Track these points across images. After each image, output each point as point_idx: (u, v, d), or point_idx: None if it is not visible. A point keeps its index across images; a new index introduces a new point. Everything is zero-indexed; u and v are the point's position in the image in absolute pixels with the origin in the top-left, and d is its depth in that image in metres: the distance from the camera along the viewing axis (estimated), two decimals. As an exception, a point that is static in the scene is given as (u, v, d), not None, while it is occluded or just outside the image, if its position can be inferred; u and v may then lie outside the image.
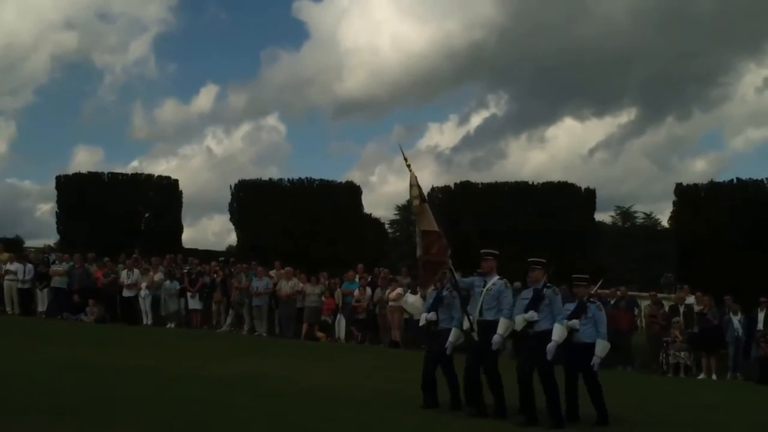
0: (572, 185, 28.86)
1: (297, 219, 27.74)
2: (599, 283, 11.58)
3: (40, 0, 68.94)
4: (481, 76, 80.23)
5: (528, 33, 63.39)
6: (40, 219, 69.78)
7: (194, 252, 30.46)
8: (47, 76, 79.25)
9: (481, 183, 29.99)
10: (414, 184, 9.98)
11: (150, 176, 33.94)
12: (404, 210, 57.23)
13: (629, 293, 21.14)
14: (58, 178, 33.14)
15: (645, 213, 58.30)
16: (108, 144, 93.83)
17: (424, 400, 10.00)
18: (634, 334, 19.58)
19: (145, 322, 21.30)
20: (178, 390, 10.60)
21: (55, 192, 33.27)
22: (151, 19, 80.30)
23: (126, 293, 21.47)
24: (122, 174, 33.74)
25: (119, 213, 30.83)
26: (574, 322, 9.68)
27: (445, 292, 10.18)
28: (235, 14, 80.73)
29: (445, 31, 67.44)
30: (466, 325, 9.84)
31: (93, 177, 32.99)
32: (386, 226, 47.87)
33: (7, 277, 21.38)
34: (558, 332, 9.32)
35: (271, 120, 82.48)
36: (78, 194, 31.81)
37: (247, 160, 73.24)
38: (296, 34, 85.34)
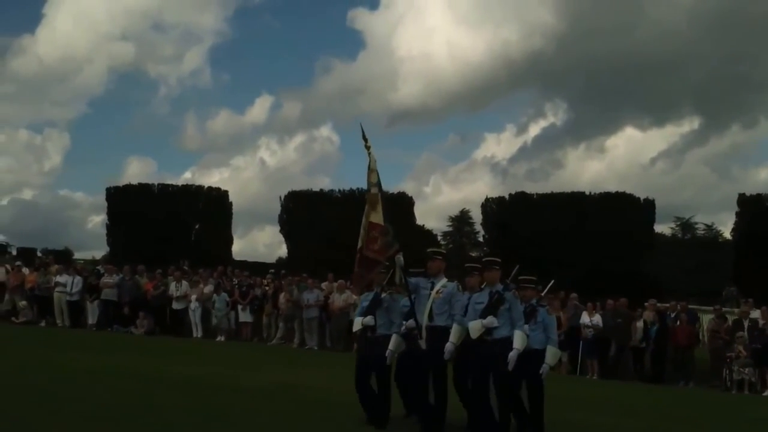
0: (630, 195, 28.38)
1: (347, 230, 27.42)
2: (549, 285, 11.01)
3: (96, 12, 69.80)
4: (538, 84, 78.96)
5: (586, 39, 62.18)
6: (91, 231, 70.59)
7: (244, 264, 30.33)
8: (102, 88, 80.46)
9: (536, 193, 29.63)
10: (374, 169, 9.12)
11: (200, 187, 34.02)
12: (457, 221, 56.82)
13: (689, 306, 20.49)
14: (108, 190, 33.37)
15: (706, 224, 56.88)
16: (161, 155, 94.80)
17: (367, 415, 9.05)
18: (695, 348, 18.92)
19: (194, 335, 21.12)
20: (222, 400, 10.34)
21: (105, 203, 33.52)
22: (206, 29, 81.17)
23: (175, 305, 21.34)
24: (172, 185, 33.92)
25: (168, 224, 30.85)
26: (525, 326, 8.75)
27: (384, 295, 9.19)
28: (290, 24, 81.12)
29: (501, 39, 66.70)
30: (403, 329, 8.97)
31: (143, 188, 33.17)
32: (439, 237, 47.40)
33: (56, 289, 21.36)
34: (520, 340, 8.37)
35: (325, 130, 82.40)
36: (127, 205, 31.94)
37: (299, 170, 73.00)
38: (351, 43, 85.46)
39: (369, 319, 9.12)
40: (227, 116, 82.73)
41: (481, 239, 42.76)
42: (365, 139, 9.06)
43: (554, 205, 28.43)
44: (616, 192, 28.63)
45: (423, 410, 8.87)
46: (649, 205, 28.36)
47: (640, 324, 18.83)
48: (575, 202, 28.42)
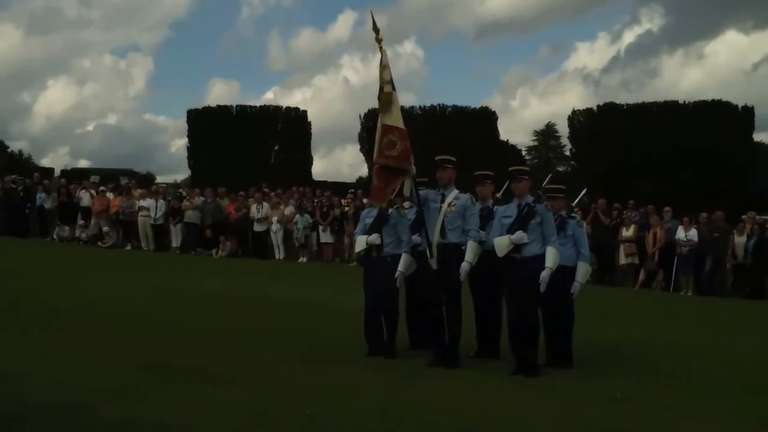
0: (727, 103, 27.01)
1: (428, 146, 26.87)
2: (581, 194, 10.18)
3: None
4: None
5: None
6: (175, 154, 71.49)
7: (325, 184, 30.12)
8: (185, 10, 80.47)
9: (626, 104, 28.45)
10: (386, 66, 7.89)
11: (278, 108, 33.81)
12: (542, 135, 55.40)
13: (792, 220, 19.43)
14: (189, 113, 33.42)
15: (812, 131, 54.01)
16: (244, 76, 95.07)
17: (369, 347, 8.24)
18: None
19: (276, 256, 21.08)
20: (316, 320, 10.56)
21: (187, 126, 33.66)
22: (289, -54, 79.60)
23: (257, 227, 21.26)
24: (251, 107, 33.76)
25: (247, 146, 30.79)
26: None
27: (391, 210, 8.35)
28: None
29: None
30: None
31: (222, 110, 33.12)
32: (523, 152, 46.33)
33: (140, 213, 21.49)
34: (552, 257, 7.56)
35: (409, 45, 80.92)
36: (207, 128, 31.98)
37: (382, 88, 71.80)
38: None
39: (375, 237, 8.25)
40: (310, 34, 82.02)
41: (568, 153, 41.66)
42: (376, 31, 7.91)
43: (646, 115, 27.27)
44: (712, 100, 27.27)
45: (437, 343, 7.98)
46: (747, 113, 26.90)
47: (738, 238, 17.93)
48: (668, 112, 27.16)
